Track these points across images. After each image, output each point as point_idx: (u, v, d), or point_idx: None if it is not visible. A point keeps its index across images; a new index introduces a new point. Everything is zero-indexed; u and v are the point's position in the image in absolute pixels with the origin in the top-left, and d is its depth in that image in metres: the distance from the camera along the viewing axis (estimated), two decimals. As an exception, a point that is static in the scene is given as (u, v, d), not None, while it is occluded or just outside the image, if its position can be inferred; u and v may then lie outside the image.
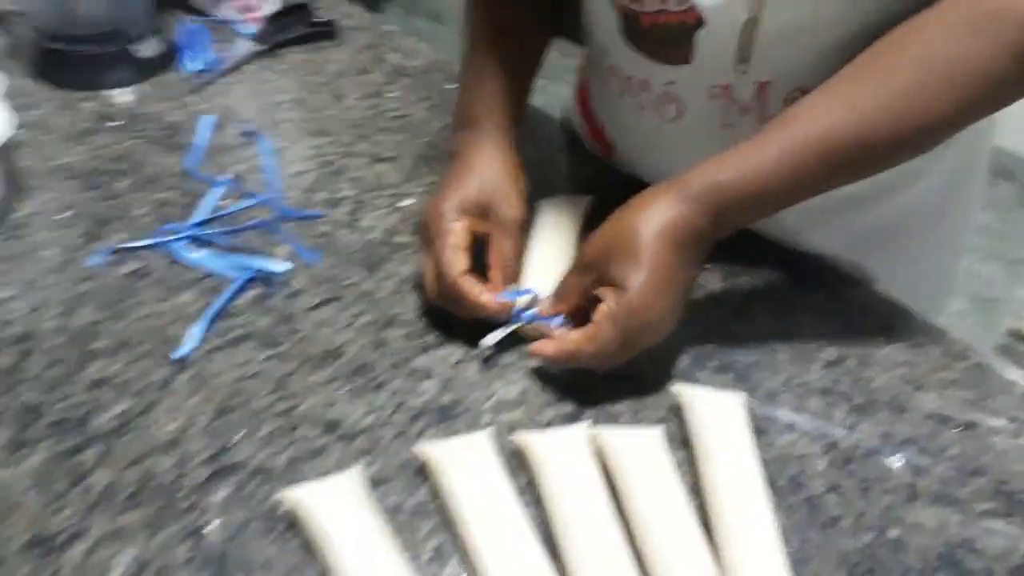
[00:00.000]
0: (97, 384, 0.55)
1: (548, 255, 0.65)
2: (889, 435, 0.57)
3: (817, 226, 0.69)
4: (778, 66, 0.59)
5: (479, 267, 0.60)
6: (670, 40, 0.60)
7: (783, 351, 0.62)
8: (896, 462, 0.55)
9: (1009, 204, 2.30)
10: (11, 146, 0.71)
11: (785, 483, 0.53)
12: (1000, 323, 1.98)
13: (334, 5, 1.06)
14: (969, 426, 0.57)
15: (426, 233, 0.60)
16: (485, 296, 0.58)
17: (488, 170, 0.62)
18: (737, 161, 0.53)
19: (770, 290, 0.68)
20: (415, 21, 3.10)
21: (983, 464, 0.55)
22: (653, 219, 0.53)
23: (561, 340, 0.55)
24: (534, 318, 0.58)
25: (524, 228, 0.63)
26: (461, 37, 0.72)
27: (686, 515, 0.48)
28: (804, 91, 0.59)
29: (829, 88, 0.53)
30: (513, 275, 0.61)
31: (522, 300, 0.58)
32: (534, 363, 0.59)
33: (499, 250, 0.61)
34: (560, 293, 0.58)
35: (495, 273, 0.60)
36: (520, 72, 0.69)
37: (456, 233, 0.59)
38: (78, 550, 0.46)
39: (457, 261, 0.58)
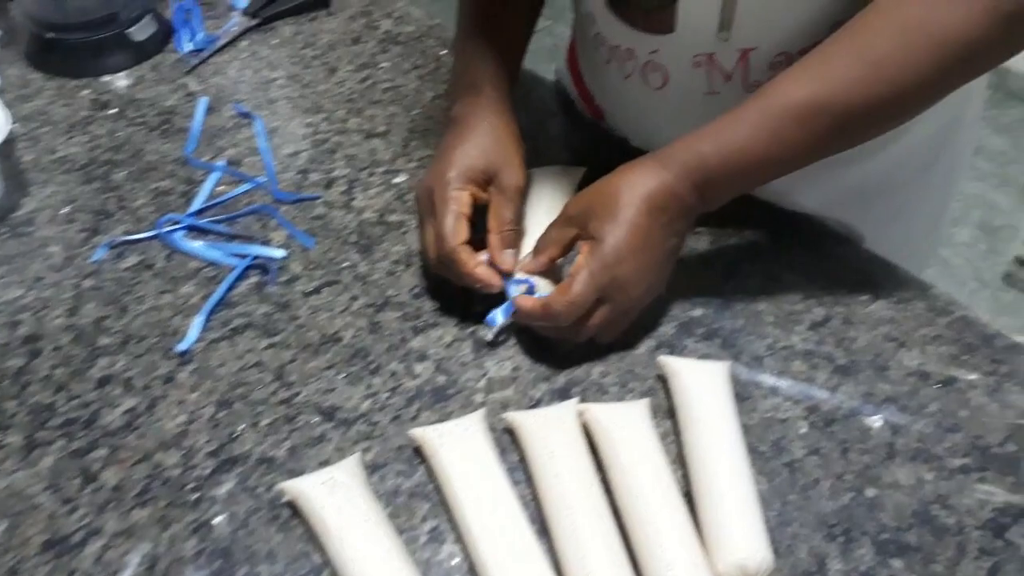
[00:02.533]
0: (104, 381, 0.58)
1: (538, 230, 0.66)
2: (870, 395, 0.58)
3: (804, 185, 0.69)
4: (760, 33, 0.58)
5: (480, 232, 0.62)
6: (653, 10, 0.60)
7: (769, 313, 0.64)
8: (876, 422, 0.57)
9: (1021, 128, 2.25)
10: (11, 142, 0.72)
11: (767, 448, 0.55)
12: (1007, 250, 1.97)
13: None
14: (948, 382, 0.59)
15: (428, 200, 0.61)
16: (480, 268, 0.59)
17: (489, 137, 0.63)
18: (717, 132, 0.55)
19: (758, 251, 0.69)
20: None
21: (960, 420, 0.57)
22: (635, 183, 0.55)
23: (542, 297, 0.57)
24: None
25: (523, 194, 0.64)
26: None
27: (668, 486, 0.50)
28: (789, 56, 0.59)
29: (808, 59, 0.53)
30: (511, 240, 0.62)
31: (519, 289, 0.60)
32: (525, 340, 0.61)
33: (499, 216, 0.62)
34: (540, 245, 0.60)
35: (494, 238, 0.61)
36: (514, 38, 0.70)
37: (460, 201, 0.60)
38: (92, 549, 0.49)
39: (459, 230, 0.59)
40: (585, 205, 0.57)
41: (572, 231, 0.57)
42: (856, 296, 0.65)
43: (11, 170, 0.74)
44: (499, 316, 0.59)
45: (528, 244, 0.65)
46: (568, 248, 0.59)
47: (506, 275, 0.60)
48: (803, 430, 0.56)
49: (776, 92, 0.53)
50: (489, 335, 0.61)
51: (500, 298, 0.60)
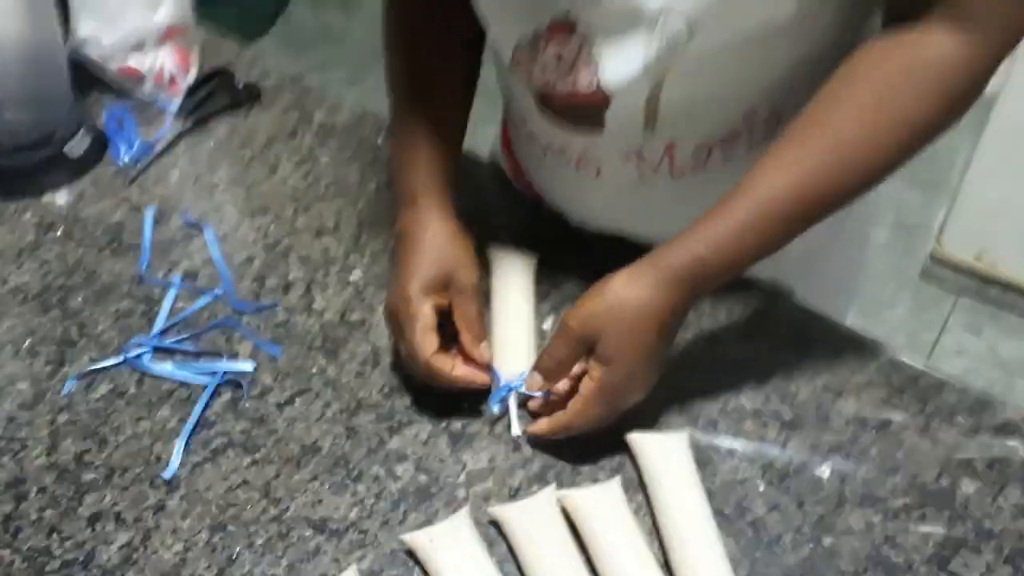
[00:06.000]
0: (95, 518, 0.60)
1: (510, 321, 0.70)
2: (816, 446, 0.64)
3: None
4: (682, 129, 0.64)
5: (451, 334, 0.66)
6: (583, 116, 0.65)
7: (718, 375, 0.69)
8: (824, 472, 0.62)
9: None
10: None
11: (732, 510, 0.60)
12: (923, 248, 2.08)
13: (250, 65, 1.08)
14: (883, 426, 0.65)
15: (396, 321, 0.65)
16: (459, 370, 0.64)
17: (437, 244, 0.66)
18: (711, 233, 0.57)
19: (699, 313, 0.74)
20: (325, 12, 3.06)
21: (898, 461, 0.63)
22: (641, 304, 0.57)
23: (555, 417, 0.61)
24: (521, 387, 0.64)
25: (480, 288, 0.67)
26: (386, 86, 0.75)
27: (647, 561, 0.54)
28: (708, 146, 0.65)
29: (783, 149, 0.57)
30: (481, 334, 0.66)
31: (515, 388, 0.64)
32: (499, 430, 0.65)
33: (463, 315, 0.66)
34: (552, 365, 0.61)
35: (465, 336, 0.65)
36: (448, 136, 0.72)
37: (423, 316, 0.64)
38: None
39: (427, 343, 0.63)
40: (590, 326, 0.58)
41: (580, 349, 0.59)
42: (792, 350, 0.71)
43: (-34, 307, 0.74)
44: (496, 406, 0.64)
45: (498, 344, 0.68)
46: (574, 364, 0.61)
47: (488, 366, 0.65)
48: (761, 488, 0.61)
49: (759, 186, 0.56)
50: (516, 429, 0.64)
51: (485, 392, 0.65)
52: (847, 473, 0.62)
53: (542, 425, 0.62)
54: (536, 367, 0.62)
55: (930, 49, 0.54)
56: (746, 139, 0.65)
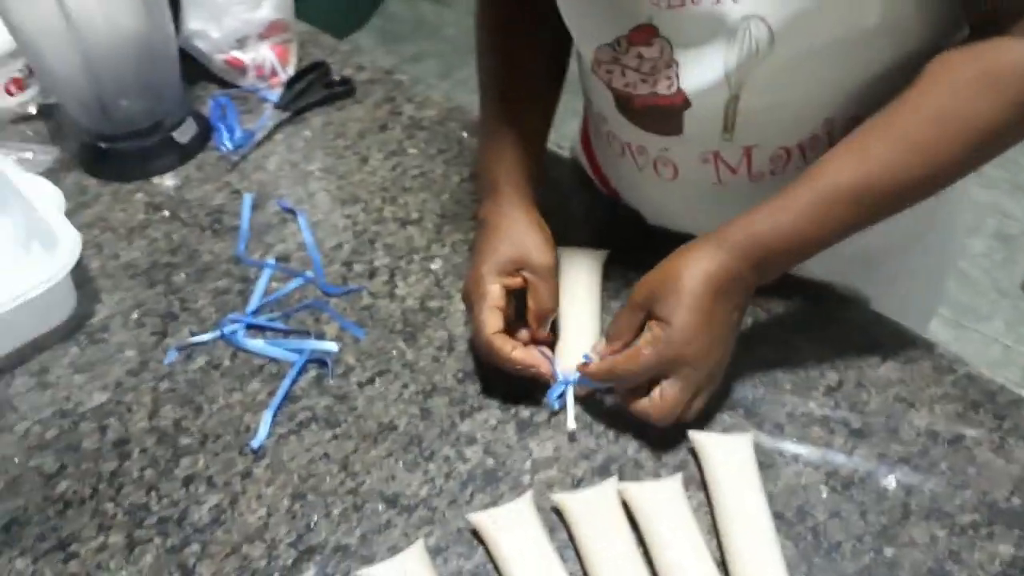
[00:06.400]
0: (189, 480, 0.65)
1: (576, 316, 0.72)
2: (884, 456, 0.64)
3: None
4: (760, 133, 0.65)
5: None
6: (662, 118, 0.66)
7: (787, 381, 0.69)
8: (891, 483, 0.62)
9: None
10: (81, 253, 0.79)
11: (792, 514, 0.60)
12: (1024, 258, 1.99)
13: (346, 58, 1.13)
14: (956, 440, 0.64)
15: (468, 300, 0.68)
16: (517, 352, 0.65)
17: (514, 229, 0.69)
18: (772, 213, 0.59)
19: (771, 318, 0.74)
20: (420, 6, 3.13)
21: (968, 477, 0.62)
22: (696, 266, 0.59)
23: (604, 360, 0.63)
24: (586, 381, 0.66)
25: (555, 270, 0.69)
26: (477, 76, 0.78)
27: (703, 557, 0.56)
28: (788, 149, 0.65)
29: (849, 144, 0.58)
30: (549, 313, 0.68)
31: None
32: (562, 419, 0.67)
33: (535, 295, 0.68)
34: (612, 332, 0.64)
35: (533, 317, 0.68)
36: (532, 132, 0.75)
37: (492, 295, 0.66)
38: (200, 640, 0.55)
39: (490, 322, 0.66)
40: (649, 291, 0.60)
41: (640, 316, 0.62)
42: (866, 358, 0.70)
43: (82, 278, 0.81)
44: (555, 402, 0.66)
45: (565, 335, 0.70)
46: (638, 332, 0.63)
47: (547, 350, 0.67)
48: (824, 494, 0.61)
49: (824, 176, 0.58)
50: (572, 423, 0.65)
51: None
52: (914, 485, 0.62)
53: (591, 367, 0.63)
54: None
55: (1006, 55, 0.53)
56: (825, 144, 0.65)
